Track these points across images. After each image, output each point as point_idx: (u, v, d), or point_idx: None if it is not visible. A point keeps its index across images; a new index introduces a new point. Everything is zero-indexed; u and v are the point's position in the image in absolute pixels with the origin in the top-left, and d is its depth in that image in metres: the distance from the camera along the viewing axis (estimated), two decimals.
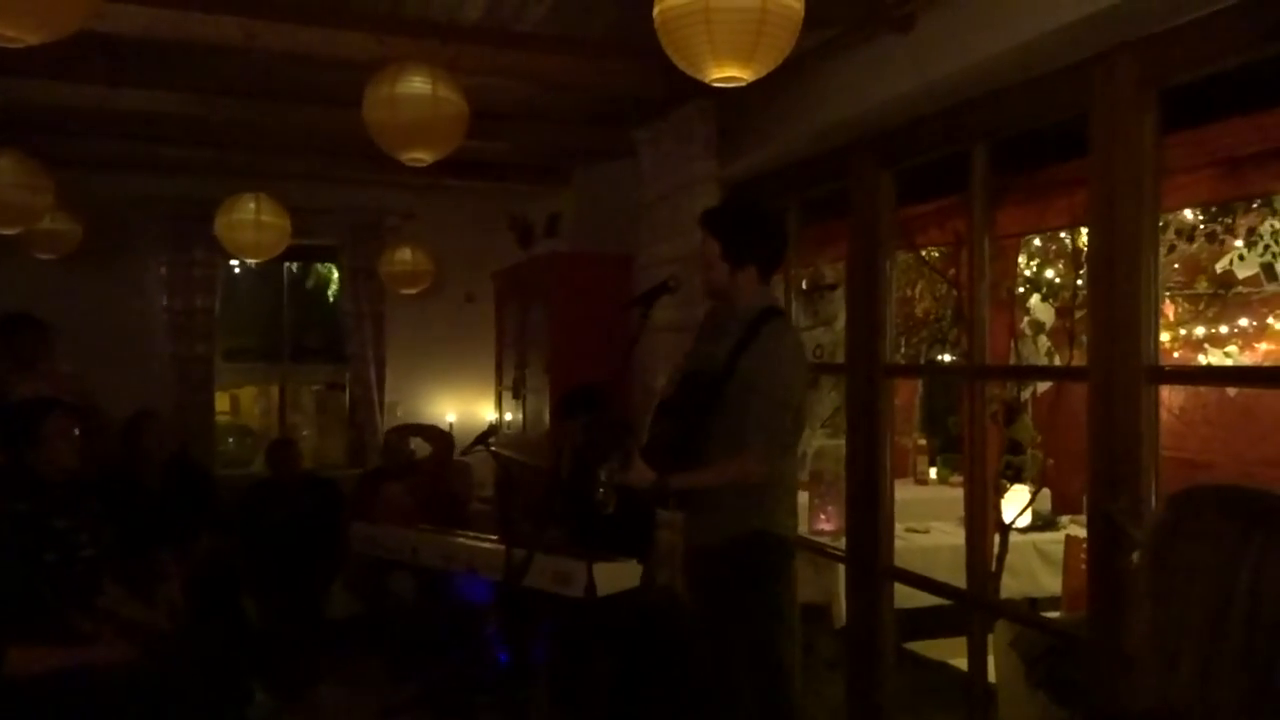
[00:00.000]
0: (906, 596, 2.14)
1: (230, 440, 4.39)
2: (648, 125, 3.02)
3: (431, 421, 3.80)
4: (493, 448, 3.15)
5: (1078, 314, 2.56)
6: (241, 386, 4.54)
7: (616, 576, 1.79)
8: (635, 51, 2.14)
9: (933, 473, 3.42)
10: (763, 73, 1.53)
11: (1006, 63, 1.66)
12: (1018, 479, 2.78)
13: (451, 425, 3.99)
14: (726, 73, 1.43)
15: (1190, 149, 1.61)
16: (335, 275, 4.54)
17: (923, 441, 3.52)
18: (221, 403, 4.16)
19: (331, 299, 4.78)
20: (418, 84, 2.05)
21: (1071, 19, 1.47)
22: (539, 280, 3.59)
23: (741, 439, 1.66)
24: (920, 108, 1.99)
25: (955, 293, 2.81)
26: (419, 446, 3.40)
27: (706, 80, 1.48)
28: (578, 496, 2.10)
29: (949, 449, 3.49)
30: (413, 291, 3.98)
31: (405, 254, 3.91)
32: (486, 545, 2.08)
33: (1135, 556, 1.27)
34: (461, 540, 2.17)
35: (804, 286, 3.31)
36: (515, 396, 3.65)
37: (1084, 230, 1.94)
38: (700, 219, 1.92)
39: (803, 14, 1.44)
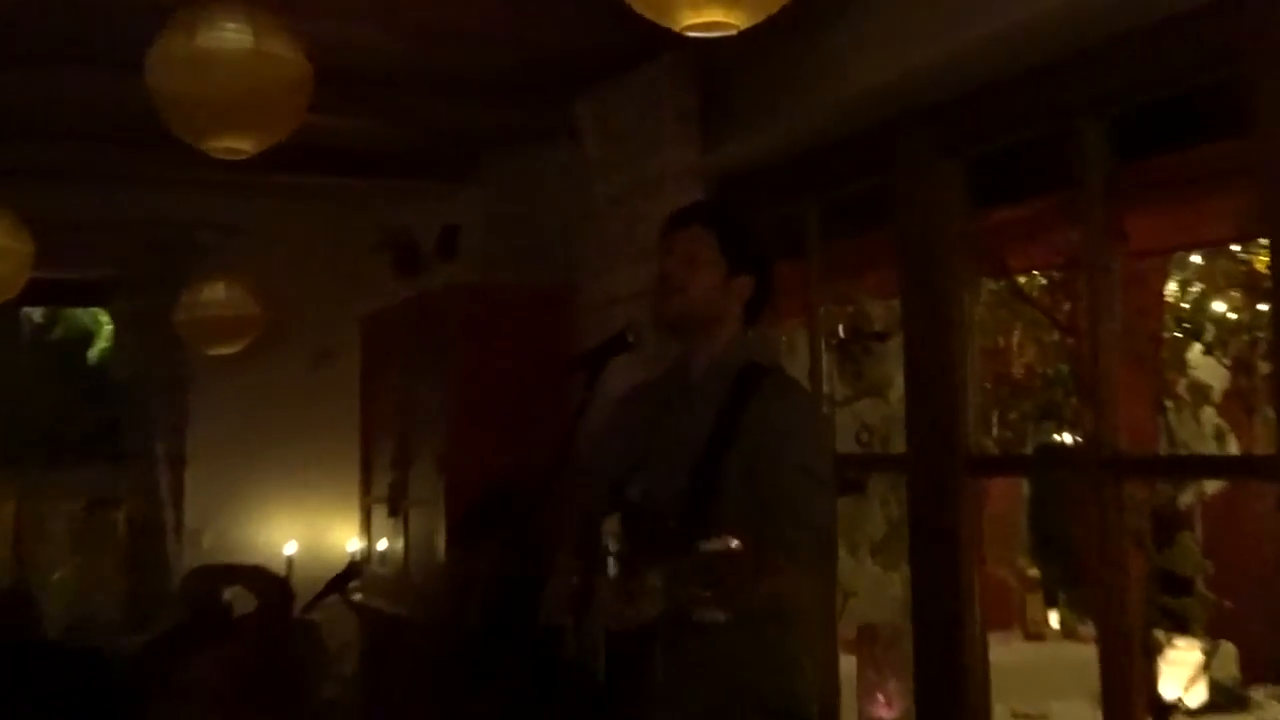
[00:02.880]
0: None
1: None
2: (593, 95, 3.02)
3: (258, 559, 3.68)
4: (356, 597, 3.08)
5: (1260, 370, 2.53)
6: None
7: None
8: None
9: (1052, 620, 3.18)
10: (760, 16, 1.52)
11: None
12: (1181, 630, 2.68)
13: (290, 563, 3.88)
14: (707, 16, 1.47)
15: None
16: (105, 327, 4.33)
17: (1033, 573, 3.27)
18: None
19: (95, 362, 4.52)
20: (231, 34, 1.98)
21: None
22: (430, 329, 3.55)
23: (768, 548, 1.57)
24: (999, 62, 2.04)
25: (1070, 341, 2.81)
26: (238, 597, 3.26)
27: (678, 28, 1.52)
28: (498, 665, 2.13)
29: (1074, 583, 3.28)
30: (232, 350, 3.94)
31: (219, 291, 3.80)
32: None
33: None
34: None
35: (840, 335, 3.29)
36: (393, 513, 3.62)
37: (1265, 242, 1.79)
38: (688, 210, 1.92)
39: None
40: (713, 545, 1.37)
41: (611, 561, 1.48)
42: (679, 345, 1.86)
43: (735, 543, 1.36)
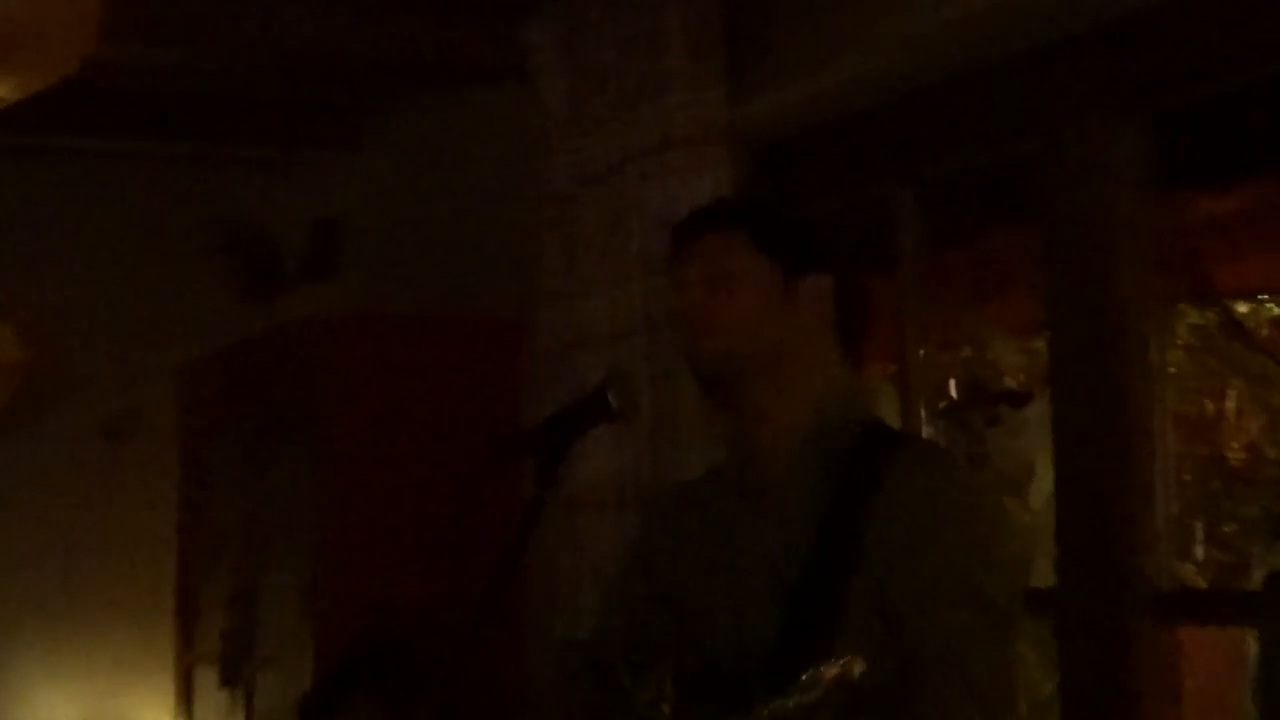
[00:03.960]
0: None
1: None
2: (556, 13, 3.04)
3: None
4: None
5: None
6: None
7: None
8: None
9: None
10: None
11: None
12: None
13: None
14: None
15: None
16: None
17: None
18: None
19: None
20: None
21: None
22: (292, 384, 3.56)
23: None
24: None
25: None
26: None
27: None
28: None
29: None
30: None
31: None
32: None
33: None
34: None
35: (950, 394, 3.29)
36: (228, 681, 3.64)
37: None
38: (701, 212, 1.95)
39: None
40: (826, 670, 1.47)
41: None
42: (730, 417, 1.88)
43: (859, 667, 1.46)
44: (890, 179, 2.67)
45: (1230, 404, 3.22)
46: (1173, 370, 2.34)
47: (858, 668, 1.45)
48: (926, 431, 2.74)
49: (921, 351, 2.68)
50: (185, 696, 3.92)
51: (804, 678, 1.47)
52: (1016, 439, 3.33)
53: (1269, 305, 3.04)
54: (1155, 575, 2.23)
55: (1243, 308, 3.02)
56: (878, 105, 2.66)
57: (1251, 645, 3.53)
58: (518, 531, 1.75)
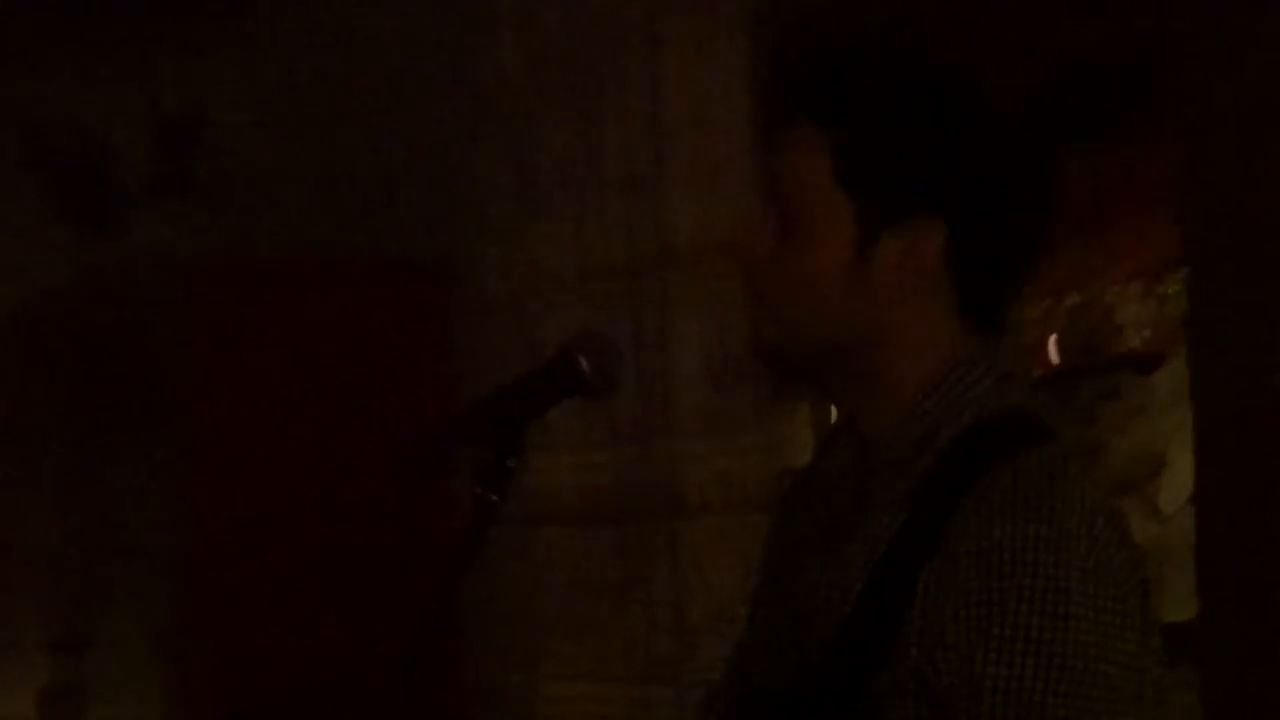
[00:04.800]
0: None
1: None
2: None
3: None
4: None
5: None
6: None
7: None
8: None
9: None
10: None
11: None
12: None
13: None
14: None
15: None
16: None
17: None
18: None
19: None
20: None
21: None
22: (138, 347, 3.56)
23: None
24: None
25: None
26: None
27: None
28: None
29: None
30: None
31: None
32: None
33: None
34: None
35: (1050, 357, 3.30)
36: None
37: None
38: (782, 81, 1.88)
39: None
40: None
41: None
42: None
43: None
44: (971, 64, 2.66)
45: None
46: None
47: None
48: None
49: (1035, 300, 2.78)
50: None
51: None
52: (1141, 418, 3.34)
53: None
54: None
55: None
56: None
57: None
58: (455, 553, 1.68)
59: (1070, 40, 2.69)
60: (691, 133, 2.74)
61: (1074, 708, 1.60)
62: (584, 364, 1.74)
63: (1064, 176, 1.90)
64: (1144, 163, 2.62)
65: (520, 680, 2.93)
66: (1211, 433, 2.39)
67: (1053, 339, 3.22)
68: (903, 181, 1.71)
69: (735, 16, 2.66)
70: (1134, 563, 1.75)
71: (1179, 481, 2.86)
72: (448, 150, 3.26)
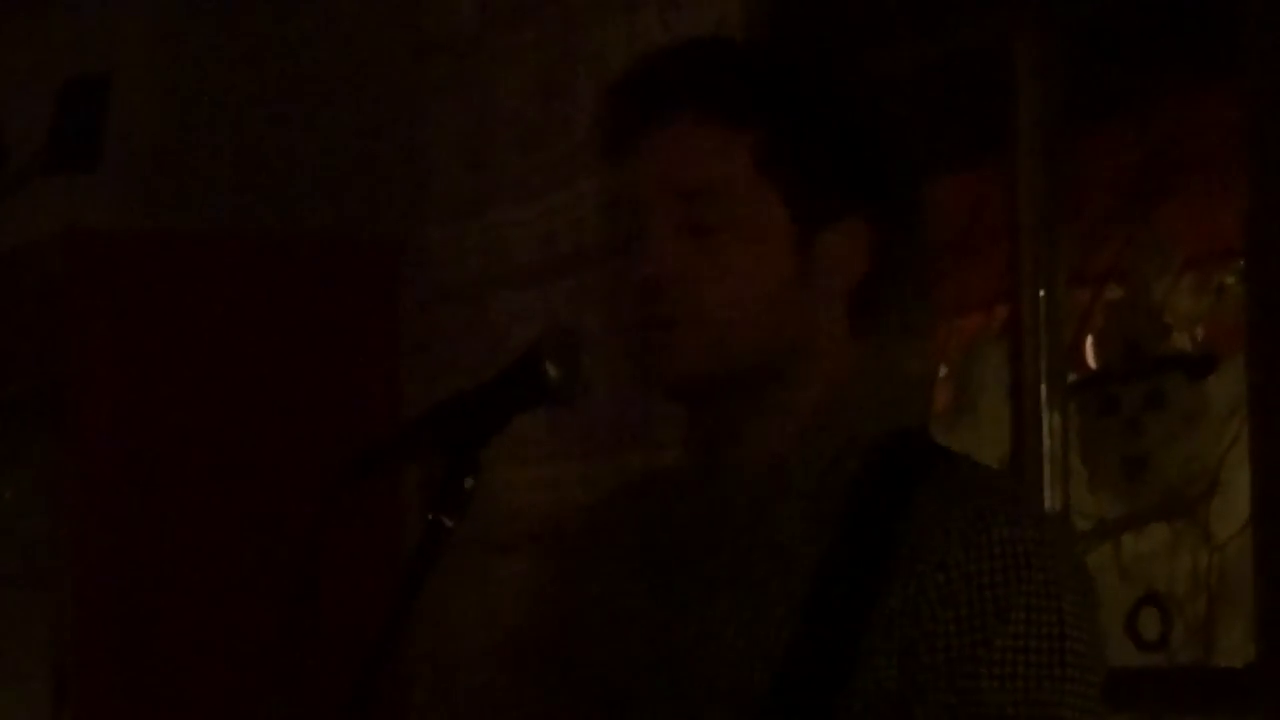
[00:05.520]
0: None
1: None
2: None
3: None
4: None
5: None
6: None
7: None
8: None
9: None
10: None
11: None
12: None
13: None
14: None
15: None
16: None
17: None
18: None
19: None
20: None
21: None
22: (23, 333, 3.59)
23: None
24: None
25: None
26: None
27: None
28: None
29: None
30: None
31: None
32: None
33: None
34: None
35: (1088, 362, 3.34)
36: None
37: None
38: (657, 71, 1.81)
39: None
40: None
41: None
42: (691, 423, 1.89)
43: None
44: (1000, 18, 2.68)
45: None
46: None
47: None
48: (1050, 420, 2.73)
49: (1042, 292, 2.71)
50: None
51: None
52: (1192, 430, 3.34)
53: None
54: None
55: None
56: None
57: None
58: (402, 585, 1.68)
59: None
60: None
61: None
62: (552, 369, 1.73)
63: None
64: (1200, 130, 2.65)
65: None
66: (1272, 447, 2.40)
67: (1090, 339, 3.22)
68: (835, 175, 1.75)
69: None
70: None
71: (1234, 504, 2.87)
72: (393, 117, 3.30)
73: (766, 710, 1.72)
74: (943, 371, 2.89)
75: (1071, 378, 3.09)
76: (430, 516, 1.66)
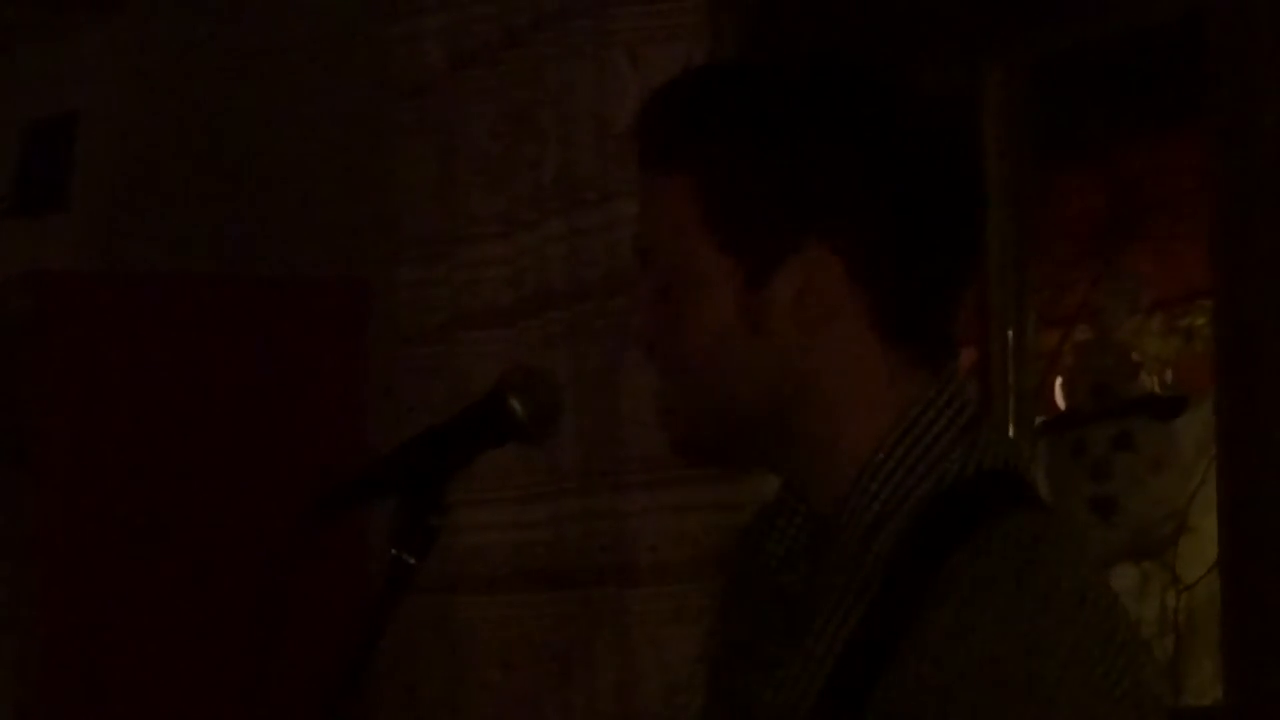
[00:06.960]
0: None
1: None
2: None
3: None
4: None
5: None
6: None
7: None
8: None
9: None
10: None
11: None
12: None
13: None
14: None
15: None
16: None
17: None
18: None
19: None
20: None
21: None
22: None
23: None
24: None
25: None
26: None
27: None
28: None
29: None
30: None
31: None
32: None
33: None
34: None
35: (1057, 401, 3.37)
36: None
37: None
38: (645, 125, 1.82)
39: None
40: None
41: None
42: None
43: None
44: (968, 60, 2.70)
45: None
46: None
47: None
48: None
49: (1011, 332, 2.72)
50: None
51: None
52: (1161, 471, 3.37)
53: None
54: None
55: None
56: None
57: None
58: (364, 625, 1.73)
59: (1068, 38, 2.74)
60: None
61: None
62: (517, 405, 1.74)
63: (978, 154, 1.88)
64: (1168, 170, 2.65)
65: None
66: (1239, 489, 2.40)
67: (1059, 380, 3.25)
68: (777, 211, 1.69)
69: (693, 5, 2.66)
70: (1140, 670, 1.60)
71: (1202, 548, 2.91)
72: (359, 155, 3.29)
73: None
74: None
75: (1040, 419, 3.11)
76: (394, 553, 1.68)
